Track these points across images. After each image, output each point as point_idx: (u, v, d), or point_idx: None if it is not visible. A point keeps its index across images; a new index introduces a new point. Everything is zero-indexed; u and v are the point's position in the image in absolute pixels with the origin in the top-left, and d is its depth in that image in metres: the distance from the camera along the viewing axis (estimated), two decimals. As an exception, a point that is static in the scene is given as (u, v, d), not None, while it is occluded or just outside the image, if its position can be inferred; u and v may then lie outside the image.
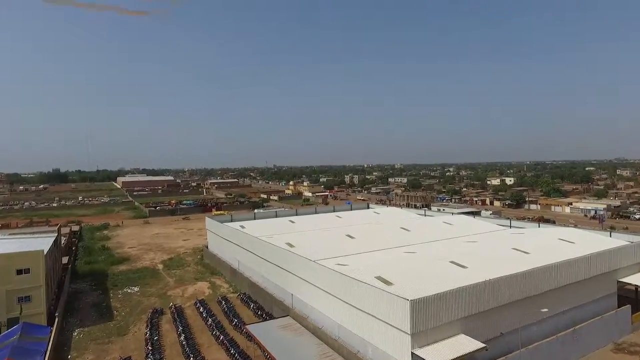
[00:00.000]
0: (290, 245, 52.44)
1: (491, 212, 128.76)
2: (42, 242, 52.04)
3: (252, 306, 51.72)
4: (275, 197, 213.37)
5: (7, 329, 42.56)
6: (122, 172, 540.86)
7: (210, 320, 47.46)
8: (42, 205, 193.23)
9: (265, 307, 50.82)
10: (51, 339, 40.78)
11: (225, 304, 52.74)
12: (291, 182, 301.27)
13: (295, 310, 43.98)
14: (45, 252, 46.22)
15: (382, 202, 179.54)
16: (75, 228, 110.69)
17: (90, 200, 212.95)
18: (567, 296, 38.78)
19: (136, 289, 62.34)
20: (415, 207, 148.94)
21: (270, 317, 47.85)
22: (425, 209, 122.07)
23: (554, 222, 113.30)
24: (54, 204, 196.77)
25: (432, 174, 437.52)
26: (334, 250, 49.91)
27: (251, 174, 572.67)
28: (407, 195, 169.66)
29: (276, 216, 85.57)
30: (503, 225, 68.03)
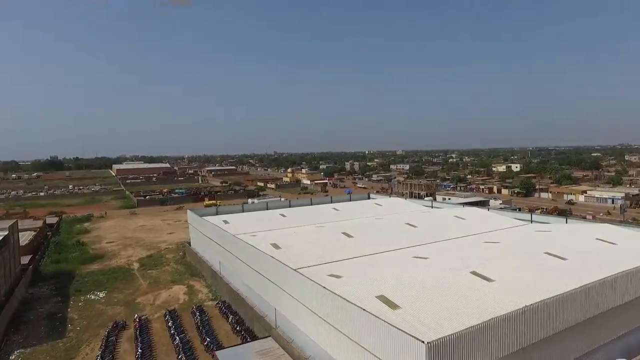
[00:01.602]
0: (276, 247, 43.99)
1: (500, 201, 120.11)
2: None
3: (230, 319, 43.59)
4: (272, 186, 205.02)
5: None
6: (120, 160, 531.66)
7: (178, 338, 39.36)
8: (30, 194, 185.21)
9: (246, 320, 42.68)
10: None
11: (199, 315, 44.64)
12: (289, 170, 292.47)
13: (278, 331, 35.75)
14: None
15: (383, 191, 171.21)
16: (53, 220, 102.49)
17: (80, 189, 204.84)
18: (624, 317, 30.35)
19: (102, 294, 54.28)
20: (419, 196, 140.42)
21: (251, 334, 39.78)
22: (430, 198, 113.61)
23: (570, 213, 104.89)
24: (42, 193, 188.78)
25: (435, 160, 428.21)
26: (327, 253, 41.49)
27: (250, 160, 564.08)
28: (410, 184, 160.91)
29: (267, 208, 77.06)
30: (523, 220, 59.36)
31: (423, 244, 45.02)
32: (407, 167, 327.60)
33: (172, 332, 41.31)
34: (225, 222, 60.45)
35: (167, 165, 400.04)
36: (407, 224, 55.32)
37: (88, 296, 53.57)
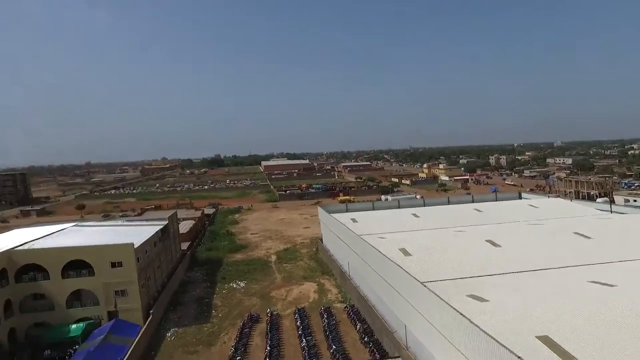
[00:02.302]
0: (405, 253, 39.53)
1: None
2: (145, 231, 50.73)
3: (358, 327, 40.97)
4: (407, 182, 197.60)
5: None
6: (268, 157, 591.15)
7: (305, 340, 38.59)
8: (197, 187, 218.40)
9: (375, 331, 39.45)
10: (135, 342, 37.50)
11: (327, 318, 43.28)
12: (425, 165, 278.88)
13: (409, 352, 31.44)
14: (137, 245, 43.56)
15: (539, 189, 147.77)
16: (210, 211, 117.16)
17: (234, 184, 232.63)
18: None
19: (242, 284, 58.06)
20: (589, 196, 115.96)
21: (379, 349, 36.37)
22: (605, 199, 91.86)
23: None
24: (206, 187, 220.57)
25: (608, 152, 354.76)
26: (466, 265, 35.22)
27: (385, 156, 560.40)
28: (576, 181, 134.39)
29: (399, 206, 72.48)
30: None
31: (602, 263, 34.65)
32: (569, 160, 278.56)
33: (299, 332, 40.84)
34: (354, 220, 58.33)
35: (307, 161, 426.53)
36: (576, 233, 44.17)
37: (231, 284, 57.91)
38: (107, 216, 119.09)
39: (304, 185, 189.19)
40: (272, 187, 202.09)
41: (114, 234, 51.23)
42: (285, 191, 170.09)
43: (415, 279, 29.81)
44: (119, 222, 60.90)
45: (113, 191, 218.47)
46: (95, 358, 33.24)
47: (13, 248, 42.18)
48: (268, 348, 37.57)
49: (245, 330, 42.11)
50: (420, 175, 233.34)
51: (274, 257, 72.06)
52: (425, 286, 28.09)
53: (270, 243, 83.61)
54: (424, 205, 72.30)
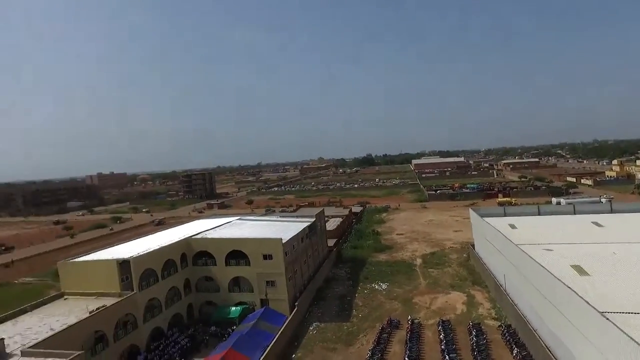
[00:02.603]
0: (581, 272, 31.73)
1: None
2: (294, 227, 54.08)
3: (515, 352, 34.97)
4: (589, 182, 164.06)
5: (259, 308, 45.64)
6: (419, 155, 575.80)
7: (448, 357, 34.94)
8: (348, 186, 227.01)
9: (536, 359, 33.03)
10: (280, 330, 40.07)
11: (476, 335, 38.39)
12: (616, 161, 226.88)
13: (581, 396, 24.94)
14: (285, 240, 46.59)
15: None
16: (358, 209, 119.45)
17: (384, 182, 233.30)
18: None
19: (384, 286, 56.75)
20: None
21: (540, 383, 30.17)
22: None
23: None
24: (356, 185, 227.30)
25: None
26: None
27: (559, 151, 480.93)
28: None
29: (574, 212, 59.87)
30: None
31: None
32: None
33: (442, 346, 37.24)
34: (512, 226, 50.51)
35: (462, 159, 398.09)
36: None
37: (373, 285, 57.24)
38: (269, 211, 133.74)
39: (456, 185, 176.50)
40: (421, 186, 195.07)
41: (268, 228, 56.36)
42: (436, 191, 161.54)
43: (594, 308, 23.32)
44: (274, 218, 66.92)
45: (276, 188, 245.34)
46: (246, 340, 36.71)
47: (191, 236, 50.35)
48: (406, 359, 35.29)
49: (384, 335, 40.64)
50: (608, 173, 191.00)
51: (419, 261, 68.55)
52: (607, 319, 21.63)
53: (417, 245, 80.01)
54: (611, 212, 57.97)
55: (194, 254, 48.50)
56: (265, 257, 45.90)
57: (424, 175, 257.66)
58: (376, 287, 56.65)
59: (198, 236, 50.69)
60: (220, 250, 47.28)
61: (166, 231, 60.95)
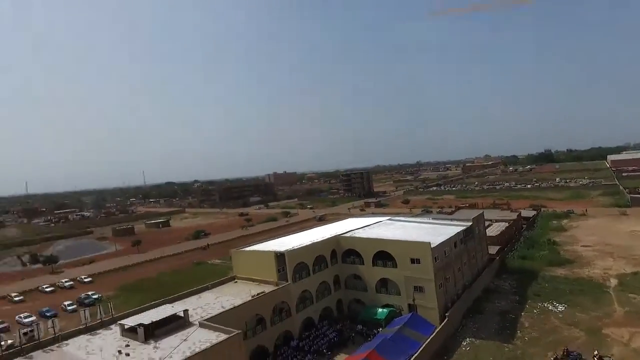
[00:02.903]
0: None
1: None
2: (448, 230, 49.76)
3: None
4: None
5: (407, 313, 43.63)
6: (619, 149, 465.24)
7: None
8: (518, 186, 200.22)
9: None
10: (427, 340, 37.22)
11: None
12: None
13: None
14: (435, 245, 43.20)
15: None
16: (529, 214, 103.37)
17: (566, 182, 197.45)
18: None
19: (561, 307, 47.17)
20: None
21: None
22: None
23: None
24: (529, 186, 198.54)
25: None
26: None
27: None
28: None
29: None
30: None
31: None
32: None
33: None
34: None
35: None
36: None
37: (545, 305, 48.24)
38: (425, 211, 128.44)
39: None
40: (620, 187, 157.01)
41: (418, 230, 53.56)
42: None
43: None
44: (426, 219, 63.27)
45: (435, 188, 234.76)
46: (390, 345, 35.34)
47: (341, 234, 51.70)
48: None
49: (556, 368, 33.49)
50: None
51: (613, 282, 54.80)
52: None
53: (611, 262, 64.28)
54: None
55: (343, 251, 49.62)
56: (412, 260, 43.54)
57: (624, 174, 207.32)
58: (550, 307, 47.54)
59: (347, 234, 51.70)
60: (366, 250, 47.12)
61: (321, 227, 64.46)
